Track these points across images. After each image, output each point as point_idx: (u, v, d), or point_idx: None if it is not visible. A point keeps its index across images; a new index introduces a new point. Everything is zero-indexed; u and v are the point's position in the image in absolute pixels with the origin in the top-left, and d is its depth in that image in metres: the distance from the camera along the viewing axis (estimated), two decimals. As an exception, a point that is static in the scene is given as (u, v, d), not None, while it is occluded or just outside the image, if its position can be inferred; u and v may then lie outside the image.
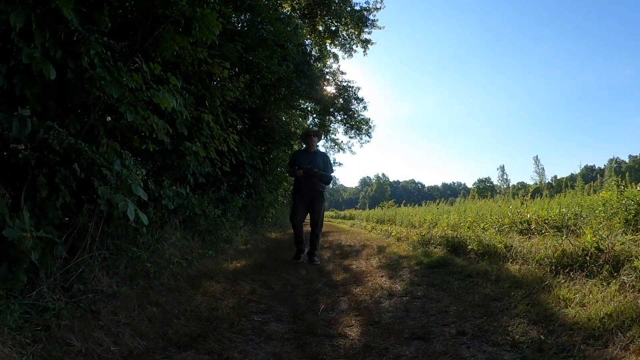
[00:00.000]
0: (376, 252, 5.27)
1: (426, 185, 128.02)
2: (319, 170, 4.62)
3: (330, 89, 13.64)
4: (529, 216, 4.84)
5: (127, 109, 2.64)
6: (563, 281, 2.58)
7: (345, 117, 14.74)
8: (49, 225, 2.15)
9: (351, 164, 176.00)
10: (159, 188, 3.71)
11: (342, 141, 16.72)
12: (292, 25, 8.27)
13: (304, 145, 4.94)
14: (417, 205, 16.05)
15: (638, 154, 67.88)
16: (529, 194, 6.41)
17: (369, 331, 2.07)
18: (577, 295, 2.24)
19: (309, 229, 4.96)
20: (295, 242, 4.90)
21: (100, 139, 2.70)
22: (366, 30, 12.93)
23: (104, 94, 2.53)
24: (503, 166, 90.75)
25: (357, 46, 13.45)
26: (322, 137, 5.65)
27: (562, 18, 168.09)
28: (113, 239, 2.79)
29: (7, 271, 1.80)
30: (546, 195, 9.30)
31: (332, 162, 5.13)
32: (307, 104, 13.56)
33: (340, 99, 14.04)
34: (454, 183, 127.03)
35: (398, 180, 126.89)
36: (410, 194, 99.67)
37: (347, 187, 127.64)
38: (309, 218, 5.01)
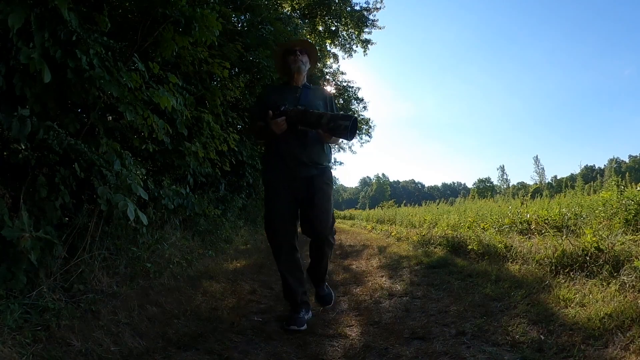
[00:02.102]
0: (376, 252, 5.27)
1: (426, 185, 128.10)
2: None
3: (330, 89, 13.67)
4: (529, 216, 4.84)
5: (126, 108, 2.63)
6: (563, 281, 2.58)
7: (345, 117, 14.73)
8: (48, 225, 2.14)
9: (351, 164, 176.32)
10: (158, 188, 3.71)
11: (342, 141, 16.75)
12: (292, 25, 8.28)
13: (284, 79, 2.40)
14: (417, 205, 16.06)
15: (638, 154, 68.05)
16: (529, 194, 6.42)
17: (369, 331, 2.07)
18: (577, 295, 2.24)
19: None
20: (285, 292, 2.23)
21: (100, 139, 2.70)
22: (366, 30, 12.99)
23: (103, 93, 2.53)
24: (503, 166, 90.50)
25: (357, 46, 13.51)
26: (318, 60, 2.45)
27: (562, 18, 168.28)
28: (113, 239, 2.79)
29: (7, 271, 1.80)
30: (546, 195, 9.28)
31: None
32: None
33: (341, 99, 14.07)
34: (454, 183, 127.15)
35: (398, 180, 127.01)
36: (410, 194, 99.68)
37: (347, 187, 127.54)
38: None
